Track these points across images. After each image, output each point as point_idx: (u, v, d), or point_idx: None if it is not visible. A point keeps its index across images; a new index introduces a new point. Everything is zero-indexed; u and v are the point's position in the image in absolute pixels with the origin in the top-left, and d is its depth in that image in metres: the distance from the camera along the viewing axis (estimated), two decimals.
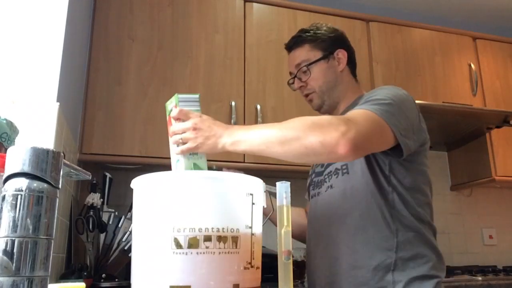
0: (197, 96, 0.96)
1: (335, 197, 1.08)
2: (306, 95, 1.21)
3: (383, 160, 1.03)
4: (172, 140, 0.94)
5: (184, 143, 0.91)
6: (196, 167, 0.92)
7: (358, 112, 0.94)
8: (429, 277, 0.97)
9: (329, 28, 1.22)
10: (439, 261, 1.01)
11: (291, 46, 1.23)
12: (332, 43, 1.20)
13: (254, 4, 2.03)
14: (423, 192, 1.06)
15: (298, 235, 1.28)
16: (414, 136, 1.00)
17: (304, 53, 1.19)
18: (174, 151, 0.94)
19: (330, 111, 1.20)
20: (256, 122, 1.84)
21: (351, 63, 1.22)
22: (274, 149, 0.87)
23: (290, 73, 1.24)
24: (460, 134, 2.29)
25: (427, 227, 1.04)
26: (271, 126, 0.90)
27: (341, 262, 1.02)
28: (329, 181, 1.11)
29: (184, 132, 0.91)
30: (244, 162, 1.81)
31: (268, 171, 1.86)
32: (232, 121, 1.80)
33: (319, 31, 1.21)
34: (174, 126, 0.93)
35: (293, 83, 1.23)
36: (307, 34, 1.21)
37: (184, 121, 0.91)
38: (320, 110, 1.21)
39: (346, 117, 0.90)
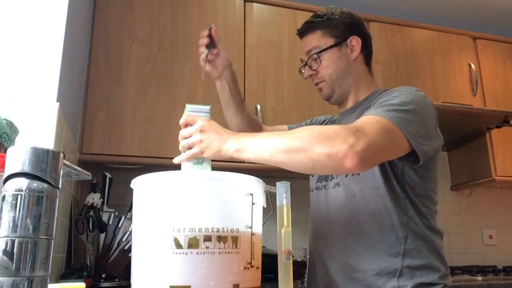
0: (208, 107, 0.95)
1: (342, 197, 1.05)
2: (316, 84, 1.17)
3: (397, 165, 1.00)
4: (179, 146, 0.92)
5: (190, 149, 0.90)
6: None
7: (370, 120, 0.89)
8: (434, 284, 0.95)
9: (343, 13, 1.16)
10: (446, 271, 1.00)
11: (302, 32, 1.18)
12: (346, 29, 1.14)
13: (254, 4, 2.03)
14: (432, 200, 1.03)
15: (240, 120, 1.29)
16: (431, 142, 0.96)
17: (315, 39, 1.14)
18: (179, 159, 0.93)
19: (340, 101, 1.16)
20: None
21: (366, 51, 1.17)
22: (279, 159, 0.84)
23: (302, 60, 1.19)
24: (460, 134, 2.29)
25: (437, 235, 1.01)
26: (277, 135, 0.87)
27: (344, 264, 1.01)
28: (337, 178, 1.08)
29: (190, 135, 0.90)
30: (244, 162, 1.80)
31: (268, 171, 1.86)
32: None
33: (332, 16, 1.15)
34: (182, 131, 0.92)
35: (303, 69, 1.19)
36: (319, 19, 1.15)
37: (192, 126, 0.91)
38: (329, 100, 1.16)
39: (356, 126, 0.86)
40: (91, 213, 1.42)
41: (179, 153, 1.85)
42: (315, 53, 1.13)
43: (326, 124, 1.26)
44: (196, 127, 0.89)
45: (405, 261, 0.95)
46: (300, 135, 0.84)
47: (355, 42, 1.14)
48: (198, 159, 0.91)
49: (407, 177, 1.00)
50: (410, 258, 0.96)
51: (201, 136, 0.88)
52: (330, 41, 1.13)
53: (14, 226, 0.48)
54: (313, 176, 1.21)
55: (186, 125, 0.92)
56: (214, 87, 1.27)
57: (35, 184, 0.50)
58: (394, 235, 0.97)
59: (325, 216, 1.09)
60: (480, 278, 1.79)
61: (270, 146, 0.85)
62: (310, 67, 1.15)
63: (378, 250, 0.97)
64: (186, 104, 0.94)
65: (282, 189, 0.66)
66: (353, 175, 1.04)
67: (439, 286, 0.95)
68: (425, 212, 1.00)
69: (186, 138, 0.90)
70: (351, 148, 0.80)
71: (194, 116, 0.91)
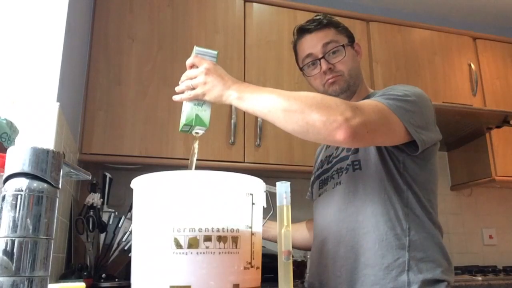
0: (215, 52, 0.96)
1: (345, 194, 1.06)
2: (329, 79, 1.11)
3: (397, 157, 1.02)
4: (183, 85, 0.94)
5: (193, 89, 0.92)
6: (197, 119, 0.92)
7: (369, 103, 0.92)
8: (440, 281, 0.96)
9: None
10: (449, 266, 1.01)
11: (313, 27, 1.14)
12: (351, 33, 1.18)
13: (254, 4, 2.03)
14: (434, 193, 1.05)
15: (306, 247, 1.32)
16: (430, 133, 0.99)
17: (332, 34, 1.13)
18: (181, 97, 0.95)
19: (348, 100, 1.13)
20: (256, 122, 1.84)
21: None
22: (276, 116, 0.86)
23: (309, 56, 1.14)
24: (460, 134, 2.29)
25: (437, 229, 1.03)
26: (280, 92, 0.88)
27: (353, 262, 1.00)
28: (337, 178, 1.09)
29: (195, 77, 0.91)
30: (244, 162, 1.81)
31: (268, 171, 1.86)
32: (232, 121, 1.80)
33: (336, 20, 1.17)
34: (187, 71, 0.94)
35: (312, 65, 1.14)
36: (327, 18, 1.15)
37: (198, 67, 0.92)
38: (341, 95, 1.12)
39: (355, 104, 0.88)
40: (91, 213, 1.42)
41: (179, 153, 1.85)
42: (340, 45, 1.12)
43: None
44: (202, 69, 0.91)
45: (411, 253, 0.96)
46: (302, 97, 0.86)
47: (358, 47, 1.18)
48: (199, 100, 0.93)
49: (408, 169, 1.02)
50: (414, 250, 0.97)
51: (205, 78, 0.90)
52: (345, 39, 1.15)
53: (14, 226, 0.48)
54: (315, 185, 1.22)
55: (192, 66, 0.94)
56: None
57: (35, 184, 0.50)
58: (399, 226, 0.99)
59: (329, 216, 1.09)
60: (480, 278, 1.78)
61: (271, 102, 0.87)
62: (327, 61, 1.11)
63: (386, 242, 0.97)
64: (194, 46, 0.96)
65: (282, 189, 0.66)
66: (354, 170, 1.05)
67: (445, 284, 0.96)
68: (427, 205, 1.02)
69: (191, 79, 0.92)
70: (346, 121, 0.82)
71: (201, 59, 0.93)
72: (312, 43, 1.14)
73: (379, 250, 0.97)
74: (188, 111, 0.93)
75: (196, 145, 0.93)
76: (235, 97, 0.89)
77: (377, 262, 0.97)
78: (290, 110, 0.84)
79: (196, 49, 0.95)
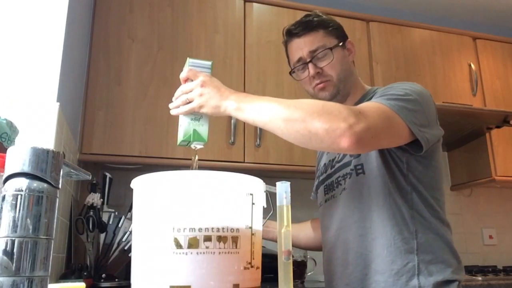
0: (209, 63, 0.94)
1: (350, 200, 1.04)
2: (319, 84, 1.10)
3: (400, 158, 1.00)
4: (179, 100, 0.92)
5: (189, 103, 0.89)
6: (195, 134, 0.90)
7: (371, 105, 0.90)
8: (451, 282, 0.95)
9: (330, 17, 1.17)
10: (459, 265, 0.99)
11: (301, 30, 1.12)
12: (342, 32, 1.15)
13: (254, 4, 2.03)
14: (440, 190, 1.03)
15: (310, 247, 1.32)
16: (432, 131, 0.97)
17: (319, 38, 1.10)
18: (178, 111, 0.93)
19: (341, 102, 1.12)
20: None
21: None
22: (277, 125, 0.84)
23: (300, 59, 1.12)
24: (460, 134, 2.29)
25: (446, 227, 1.01)
26: (279, 101, 0.86)
27: (362, 269, 0.99)
28: (344, 184, 1.07)
29: (191, 90, 0.89)
30: (244, 162, 1.81)
31: (268, 171, 1.86)
32: (232, 121, 1.80)
33: (327, 18, 1.14)
34: (182, 86, 0.92)
35: (301, 69, 1.13)
36: (317, 19, 1.12)
37: (193, 81, 0.90)
38: (332, 100, 1.10)
39: (358, 109, 0.85)
40: (91, 213, 1.42)
41: (179, 153, 1.85)
42: (326, 49, 1.09)
43: None
44: (197, 82, 0.89)
45: (420, 256, 0.95)
46: (303, 105, 0.84)
47: (351, 45, 1.16)
48: (196, 114, 0.91)
49: (412, 169, 1.00)
50: (423, 253, 0.95)
51: (201, 91, 0.88)
52: (334, 41, 1.12)
53: (14, 226, 0.48)
54: (320, 190, 1.20)
55: (186, 80, 0.92)
56: None
57: (35, 184, 0.50)
58: (406, 229, 0.97)
59: (338, 223, 1.08)
60: (480, 278, 1.78)
61: (271, 111, 0.84)
62: (315, 65, 1.10)
63: (394, 247, 0.96)
64: (188, 58, 0.93)
65: (282, 189, 0.66)
66: (357, 175, 1.04)
67: (456, 283, 0.95)
68: (434, 203, 1.00)
69: (187, 93, 0.90)
70: (350, 127, 0.80)
71: (196, 72, 0.91)
72: (300, 47, 1.12)
73: (388, 255, 0.96)
74: (185, 126, 0.90)
75: (195, 162, 0.91)
76: (233, 107, 0.86)
77: (387, 268, 0.95)
78: (291, 119, 0.82)
79: (189, 61, 0.92)
